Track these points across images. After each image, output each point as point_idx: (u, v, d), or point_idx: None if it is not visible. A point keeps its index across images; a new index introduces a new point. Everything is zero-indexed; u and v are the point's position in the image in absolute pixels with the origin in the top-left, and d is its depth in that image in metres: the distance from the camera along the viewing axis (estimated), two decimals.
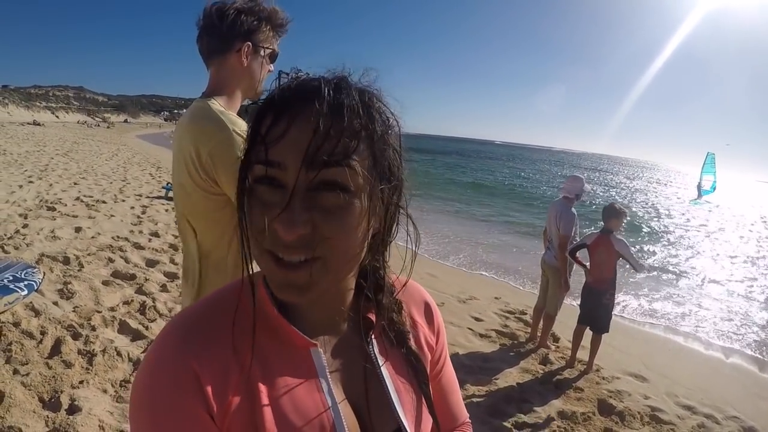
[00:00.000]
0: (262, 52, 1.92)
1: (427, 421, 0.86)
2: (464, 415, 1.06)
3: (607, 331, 5.45)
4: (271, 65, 2.00)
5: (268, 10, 1.89)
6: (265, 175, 0.65)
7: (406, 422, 0.80)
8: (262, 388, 0.69)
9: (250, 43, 1.86)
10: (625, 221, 5.55)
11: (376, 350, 0.83)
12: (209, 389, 0.65)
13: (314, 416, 0.71)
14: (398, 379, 0.84)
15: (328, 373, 0.76)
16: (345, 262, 0.69)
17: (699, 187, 39.45)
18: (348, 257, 0.69)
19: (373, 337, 0.83)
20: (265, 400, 0.69)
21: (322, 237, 0.64)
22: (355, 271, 0.78)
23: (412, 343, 0.88)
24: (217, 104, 1.78)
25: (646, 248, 15.91)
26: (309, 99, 0.64)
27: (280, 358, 0.73)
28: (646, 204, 33.94)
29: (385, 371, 0.82)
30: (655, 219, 25.12)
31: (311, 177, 0.63)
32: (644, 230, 20.17)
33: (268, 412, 0.68)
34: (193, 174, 1.71)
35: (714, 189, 39.86)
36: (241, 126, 1.71)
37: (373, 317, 0.84)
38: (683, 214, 29.64)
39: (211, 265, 1.81)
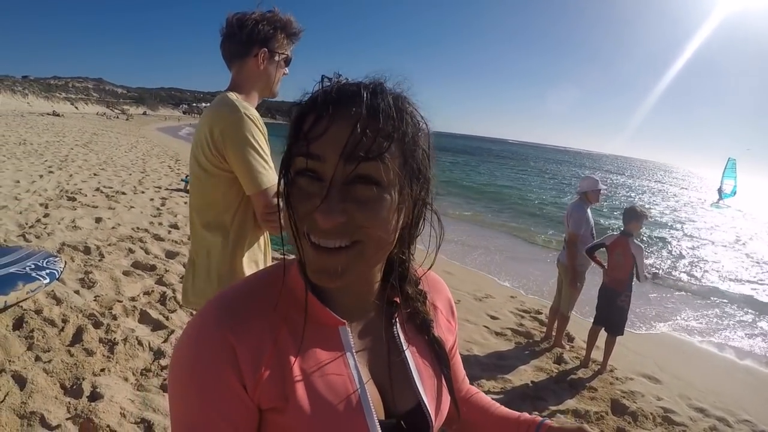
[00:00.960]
0: (277, 57, 2.15)
1: (447, 402, 0.93)
2: (468, 384, 1.19)
3: (622, 333, 5.44)
4: (286, 68, 2.24)
5: (284, 19, 2.12)
6: (305, 168, 0.70)
7: (427, 400, 0.86)
8: (294, 361, 0.75)
9: (266, 49, 2.09)
10: (644, 224, 5.54)
11: (401, 335, 0.89)
12: (244, 362, 0.71)
13: (342, 389, 0.77)
14: (421, 361, 0.90)
15: (354, 351, 0.81)
16: (377, 250, 0.74)
17: (720, 190, 39.99)
18: (379, 246, 0.74)
19: (398, 323, 0.89)
20: (296, 372, 0.75)
21: (357, 226, 0.70)
22: (383, 262, 0.84)
23: (435, 331, 0.94)
24: (234, 95, 1.98)
25: (665, 252, 15.78)
26: (349, 101, 0.69)
27: (311, 336, 0.79)
28: (667, 207, 33.58)
29: (409, 354, 0.88)
30: (677, 223, 24.75)
31: (348, 171, 0.68)
32: (664, 235, 19.89)
33: (299, 384, 0.74)
34: (206, 151, 1.93)
35: (735, 193, 40.33)
36: (253, 113, 1.93)
37: (398, 301, 0.90)
38: (704, 218, 29.33)
39: (217, 240, 2.02)
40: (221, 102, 1.95)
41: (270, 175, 1.92)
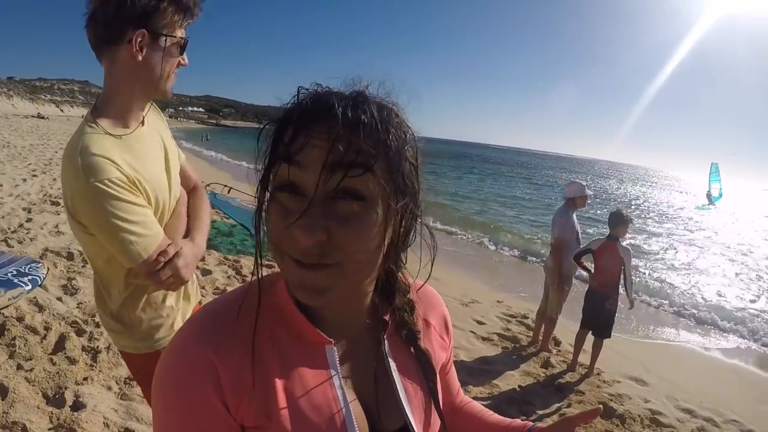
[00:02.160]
0: (164, 42, 1.53)
1: (436, 420, 0.91)
2: (462, 395, 1.19)
3: (609, 336, 5.47)
4: (183, 56, 1.64)
5: None
6: (286, 183, 0.67)
7: (414, 420, 0.84)
8: (278, 381, 0.73)
9: (144, 31, 1.48)
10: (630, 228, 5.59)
11: (389, 354, 0.87)
12: (225, 380, 0.70)
13: (326, 410, 0.75)
14: (407, 380, 0.87)
15: (339, 370, 0.79)
16: (360, 268, 0.72)
17: (708, 194, 42.46)
18: (363, 264, 0.72)
19: (386, 341, 0.87)
20: (280, 392, 0.73)
21: (338, 244, 0.67)
22: (373, 277, 0.80)
23: (421, 342, 0.92)
24: (89, 135, 1.46)
25: (650, 254, 15.86)
26: (328, 114, 0.66)
27: (297, 354, 0.77)
28: (654, 210, 33.93)
29: (396, 372, 0.86)
30: (665, 226, 24.96)
31: (330, 186, 0.65)
32: (652, 235, 20.09)
33: (282, 404, 0.72)
34: (70, 219, 1.52)
35: (721, 195, 42.89)
36: (102, 174, 1.40)
37: (387, 319, 0.88)
38: (692, 220, 29.62)
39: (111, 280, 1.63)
40: (69, 153, 1.44)
41: (145, 241, 1.47)
